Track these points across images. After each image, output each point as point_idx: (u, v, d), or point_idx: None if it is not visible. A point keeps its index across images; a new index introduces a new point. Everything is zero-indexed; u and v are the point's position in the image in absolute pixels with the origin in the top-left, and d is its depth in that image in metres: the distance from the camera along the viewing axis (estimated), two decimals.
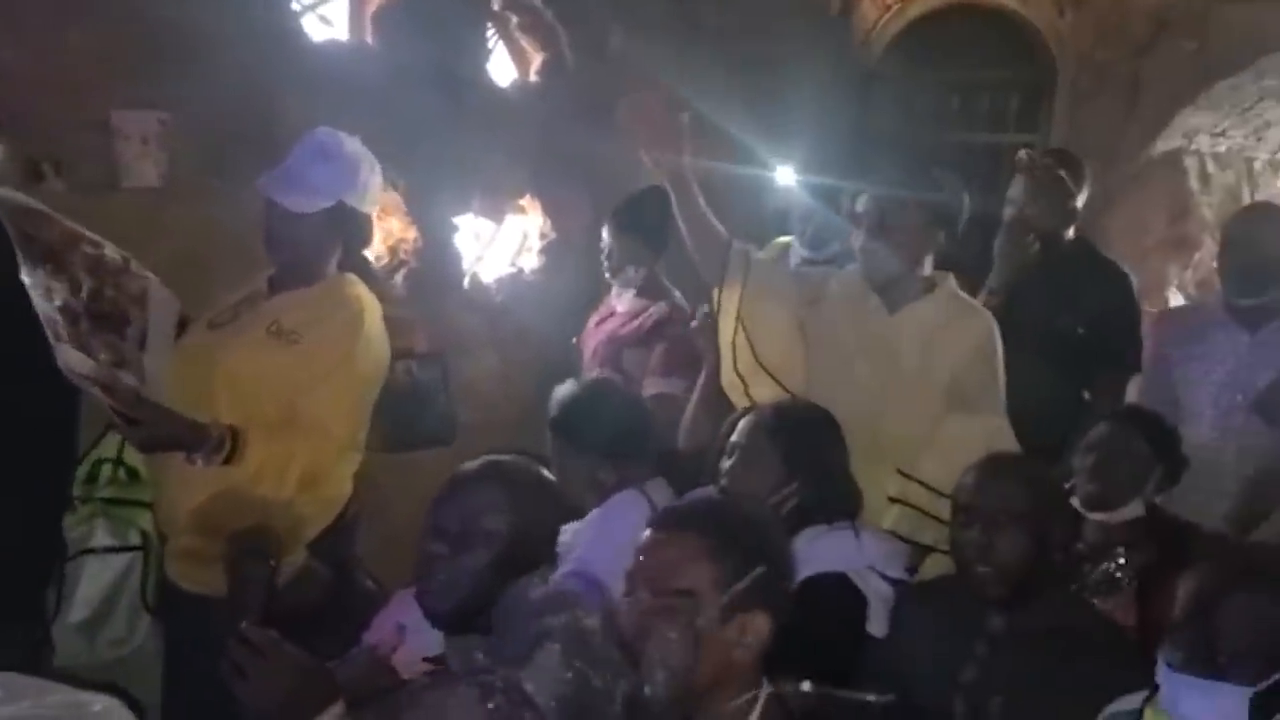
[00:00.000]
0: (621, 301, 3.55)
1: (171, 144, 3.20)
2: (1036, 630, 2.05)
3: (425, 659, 1.82)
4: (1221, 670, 1.59)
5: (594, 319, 3.65)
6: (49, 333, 2.08)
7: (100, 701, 1.32)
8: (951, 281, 2.65)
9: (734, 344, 2.70)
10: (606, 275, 3.57)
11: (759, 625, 1.47)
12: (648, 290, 3.48)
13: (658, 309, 3.42)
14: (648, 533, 1.52)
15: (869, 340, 2.62)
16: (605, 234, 3.55)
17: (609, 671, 1.44)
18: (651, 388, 3.35)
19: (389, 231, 3.90)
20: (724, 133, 3.78)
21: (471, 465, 1.79)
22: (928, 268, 2.63)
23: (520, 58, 4.33)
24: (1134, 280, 3.42)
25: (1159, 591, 2.13)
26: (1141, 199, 4.63)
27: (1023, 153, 3.50)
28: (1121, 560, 2.49)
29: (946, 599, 2.17)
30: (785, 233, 3.60)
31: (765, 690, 1.51)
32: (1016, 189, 3.35)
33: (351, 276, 2.53)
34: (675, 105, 2.61)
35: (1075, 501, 2.54)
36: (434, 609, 1.73)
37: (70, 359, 2.10)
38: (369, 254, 3.88)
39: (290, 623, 2.04)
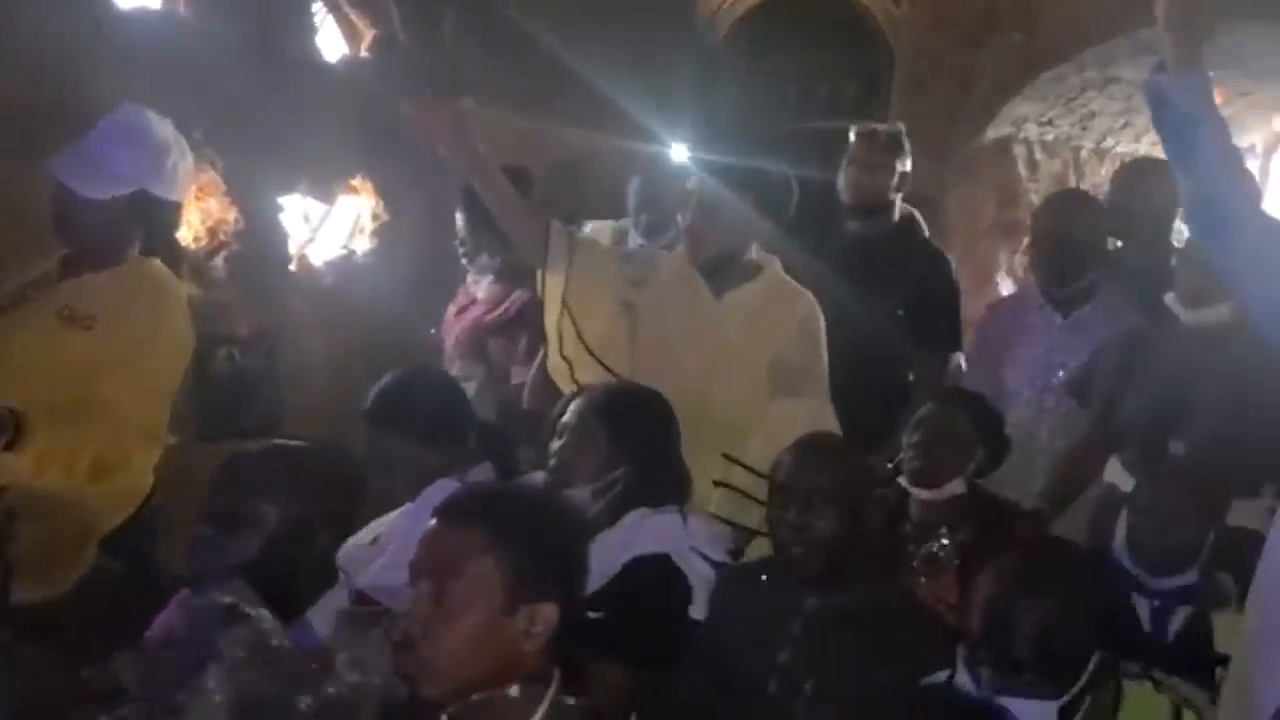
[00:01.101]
0: (481, 288, 3.45)
1: None
2: (849, 611, 2.06)
3: None
4: (1026, 687, 1.63)
5: (453, 308, 3.54)
6: None
7: None
8: (777, 265, 2.66)
9: (559, 327, 2.65)
10: (462, 261, 3.47)
11: (547, 615, 1.42)
12: (508, 275, 3.36)
13: (520, 295, 3.31)
14: (430, 523, 1.46)
15: (695, 324, 2.61)
16: (458, 218, 3.43)
17: (288, 684, 1.36)
18: (519, 376, 3.27)
19: (207, 212, 3.72)
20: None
21: (248, 448, 1.72)
22: (754, 252, 2.63)
23: (351, 33, 4.19)
24: (952, 263, 3.49)
25: (979, 570, 2.17)
26: (974, 186, 4.76)
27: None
28: (944, 540, 2.53)
29: (765, 581, 2.16)
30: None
31: (556, 681, 1.46)
32: (854, 149, 3.39)
33: (153, 260, 2.39)
34: (454, 98, 2.59)
35: (902, 479, 2.57)
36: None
37: None
38: (187, 234, 3.73)
39: (82, 622, 1.94)
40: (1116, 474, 2.88)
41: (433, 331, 3.55)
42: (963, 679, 1.75)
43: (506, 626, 1.40)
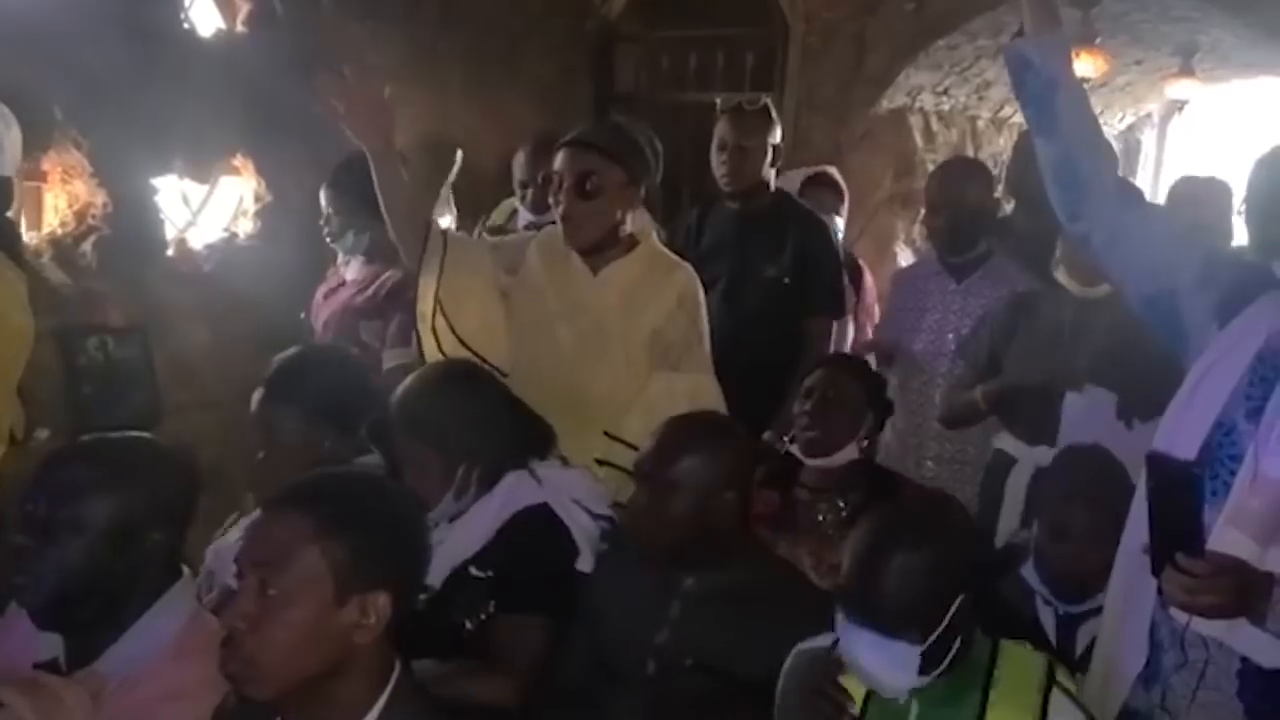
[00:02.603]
0: (350, 269, 3.35)
1: None
2: (726, 588, 2.02)
3: (36, 664, 1.61)
4: (890, 628, 1.61)
5: (322, 290, 3.43)
6: None
7: None
8: (654, 238, 2.61)
9: (434, 328, 2.57)
10: (328, 241, 3.35)
11: (380, 604, 1.34)
12: (378, 255, 3.26)
13: (391, 275, 3.21)
14: (256, 512, 1.37)
15: (571, 302, 2.55)
16: (323, 195, 3.32)
17: None
18: (392, 359, 3.16)
19: (74, 195, 3.54)
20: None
21: (63, 447, 1.61)
22: (630, 224, 2.56)
23: (226, 6, 4.02)
24: (833, 228, 3.47)
25: None
26: (870, 155, 4.74)
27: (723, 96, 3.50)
28: (841, 504, 2.50)
29: (643, 563, 2.10)
30: None
31: (396, 671, 1.38)
32: (721, 130, 3.33)
33: None
34: (377, 80, 2.48)
35: (794, 448, 2.53)
36: (25, 606, 1.54)
37: None
38: (53, 219, 3.55)
39: None
40: (1007, 442, 2.89)
41: (301, 316, 3.43)
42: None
43: (338, 618, 1.32)
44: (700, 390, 2.47)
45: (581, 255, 2.54)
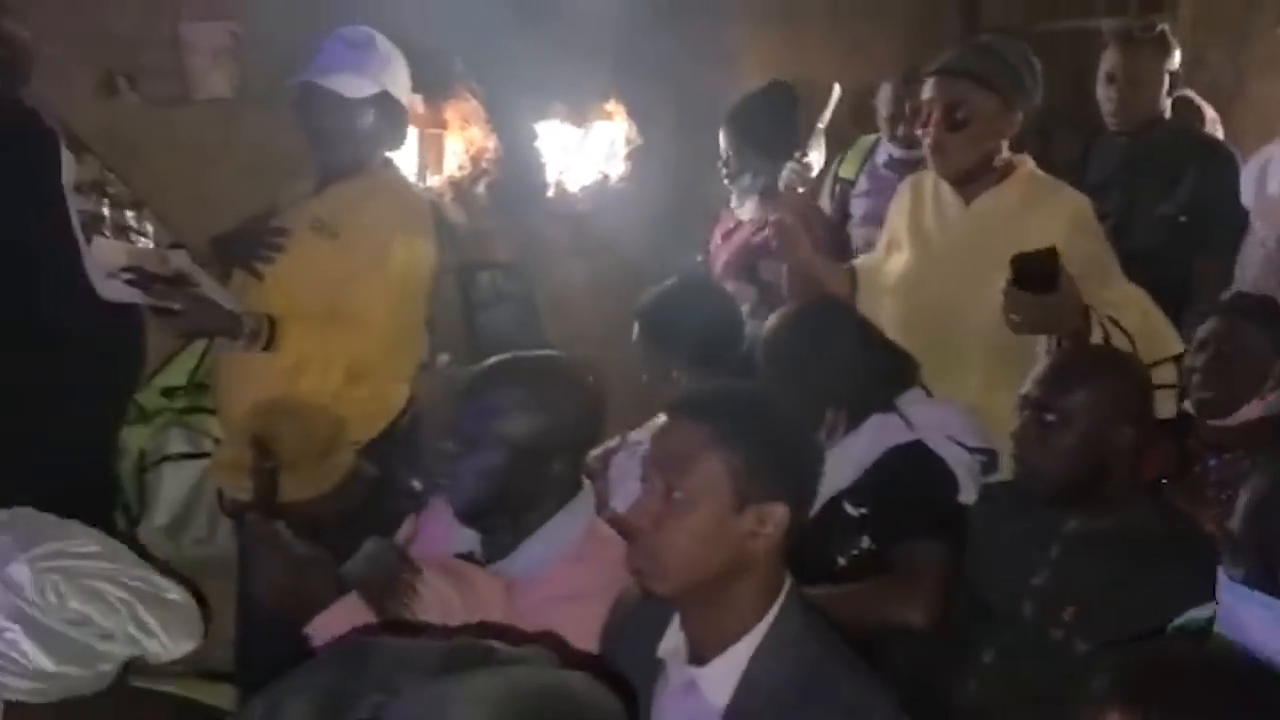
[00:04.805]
0: (746, 209, 3.42)
1: (242, 55, 3.20)
2: (1112, 534, 1.91)
3: (458, 554, 1.79)
4: None
5: (719, 231, 3.53)
6: (80, 235, 2.11)
7: (175, 591, 1.35)
8: (1030, 163, 2.48)
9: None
10: (725, 183, 3.45)
11: (777, 515, 1.39)
12: (772, 195, 3.32)
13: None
14: (662, 420, 1.45)
15: (944, 237, 2.49)
16: (722, 140, 3.40)
17: None
18: None
19: (470, 141, 3.85)
20: None
21: (492, 363, 1.75)
22: (1004, 151, 2.45)
23: None
24: (1238, 157, 3.14)
25: None
26: (1275, 80, 4.27)
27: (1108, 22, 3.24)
28: (1247, 466, 2.30)
29: (1024, 500, 2.04)
30: None
31: (787, 585, 1.43)
32: (1109, 60, 3.10)
33: (395, 169, 2.52)
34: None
35: (1188, 406, 2.36)
36: (451, 505, 1.71)
37: (103, 251, 2.13)
38: (451, 162, 3.88)
39: (335, 524, 2.06)
40: None
41: (699, 259, 3.53)
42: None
43: (736, 525, 1.38)
44: (1132, 299, 2.35)
45: (953, 185, 2.47)
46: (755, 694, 1.37)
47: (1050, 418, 1.88)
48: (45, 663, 1.24)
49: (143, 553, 1.38)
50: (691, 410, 1.43)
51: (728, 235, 3.45)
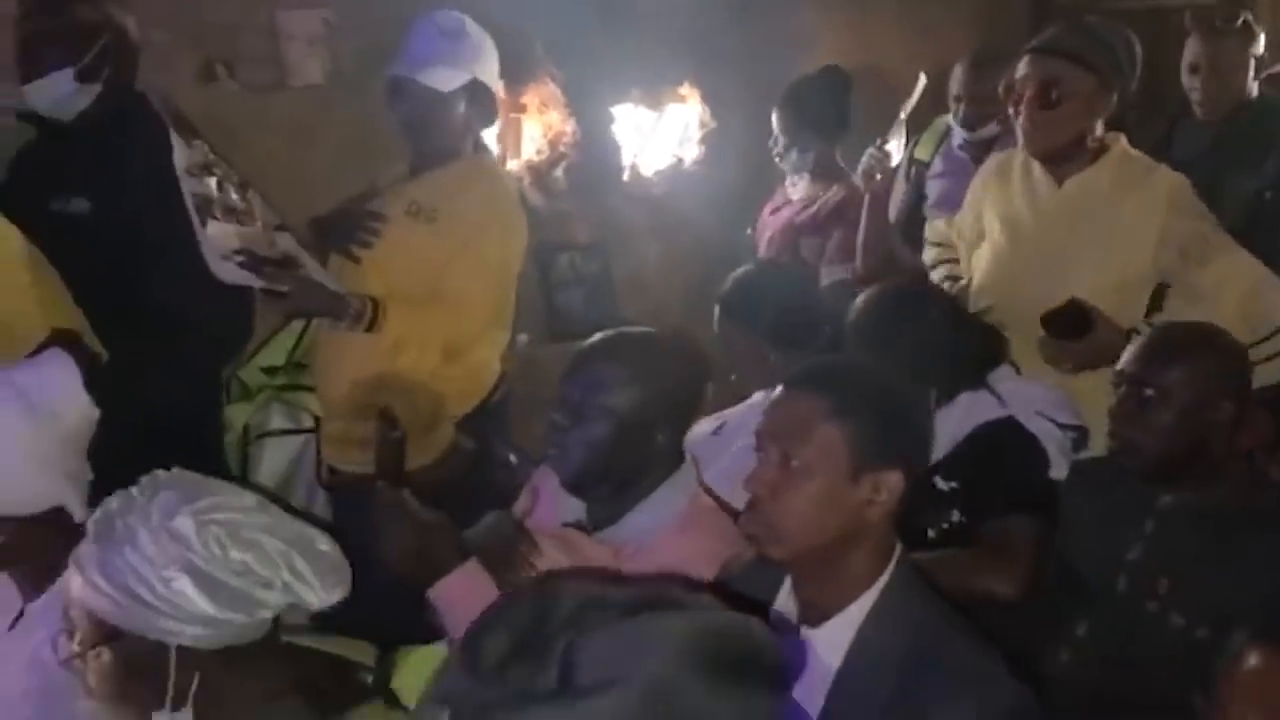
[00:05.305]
0: (796, 189, 3.49)
1: (335, 42, 3.28)
2: (1208, 509, 1.93)
3: (565, 523, 1.86)
4: None
5: (768, 208, 3.60)
6: (195, 216, 2.19)
7: (325, 541, 1.43)
8: (1124, 143, 2.48)
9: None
10: (777, 161, 3.51)
11: (892, 483, 1.44)
12: (822, 174, 3.41)
13: (834, 193, 3.36)
14: (778, 390, 1.50)
15: (1035, 218, 2.50)
16: (774, 116, 3.47)
17: None
18: (829, 275, 3.28)
19: (549, 125, 3.91)
20: None
21: (598, 339, 1.81)
22: (1098, 130, 2.46)
23: None
24: None
25: None
26: None
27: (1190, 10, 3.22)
28: None
29: (1117, 475, 2.06)
30: None
31: (898, 551, 1.48)
32: (1193, 50, 3.09)
33: (487, 154, 2.59)
34: None
35: None
36: (558, 475, 1.78)
37: (216, 234, 2.21)
38: (529, 146, 3.94)
39: (436, 494, 2.14)
40: None
41: (748, 232, 3.60)
42: None
43: (851, 493, 1.43)
44: (1235, 277, 2.35)
45: (1043, 165, 2.48)
46: (868, 655, 1.42)
47: (1149, 393, 1.90)
48: (209, 609, 1.32)
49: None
50: (809, 382, 1.48)
51: (775, 211, 3.52)
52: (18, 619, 1.71)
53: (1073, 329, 2.21)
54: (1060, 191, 2.47)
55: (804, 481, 1.42)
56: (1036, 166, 2.49)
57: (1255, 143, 3.04)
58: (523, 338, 3.49)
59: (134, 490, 1.39)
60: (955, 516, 2.10)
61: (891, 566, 1.46)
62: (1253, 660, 1.09)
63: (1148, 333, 2.03)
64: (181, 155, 2.28)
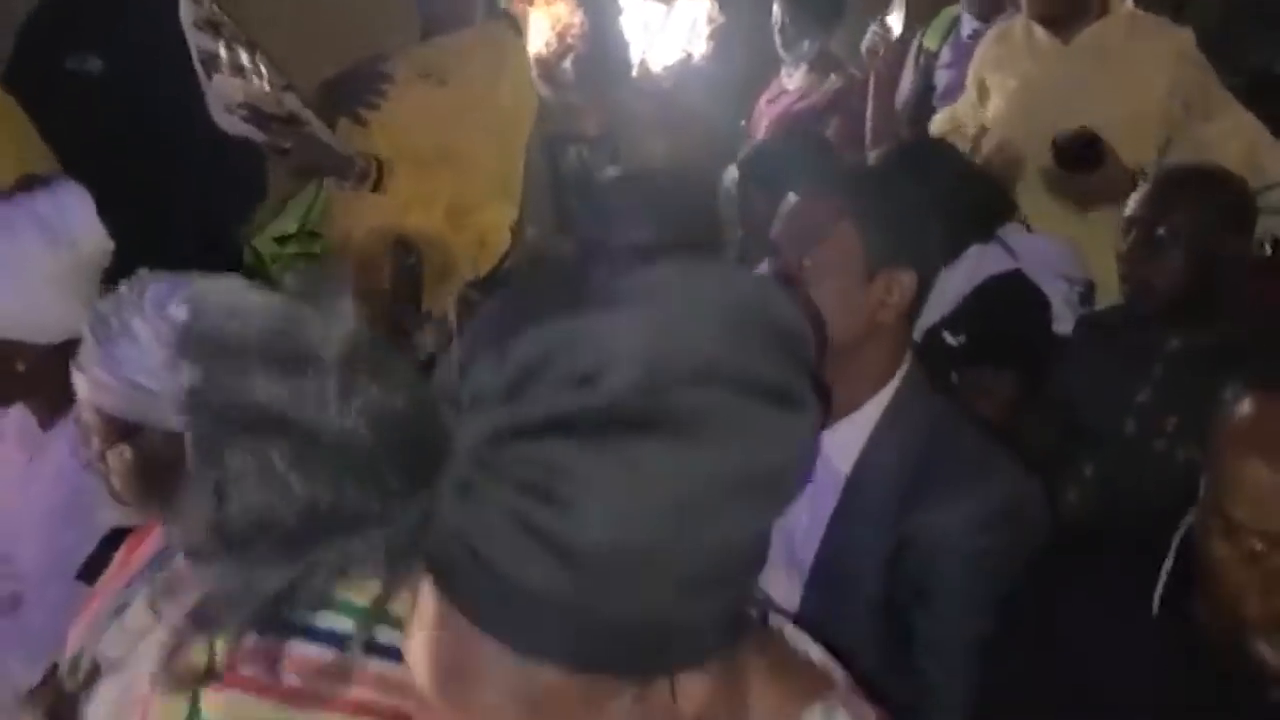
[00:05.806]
0: (793, 79, 3.51)
1: None
2: (1216, 349, 1.94)
3: None
4: None
5: (764, 97, 3.62)
6: (201, 71, 2.18)
7: None
8: (1129, 1, 2.48)
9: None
10: (779, 49, 3.49)
11: (905, 283, 1.45)
12: (820, 65, 3.43)
13: (833, 82, 3.37)
14: (790, 197, 1.51)
15: (1044, 80, 2.50)
16: (776, 8, 3.46)
17: None
18: None
19: (556, 17, 3.88)
20: None
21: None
22: None
23: None
24: None
25: None
26: None
27: None
28: None
29: (1124, 324, 2.08)
30: None
31: (909, 358, 1.50)
32: None
33: (498, 21, 2.60)
34: None
35: None
36: None
37: (222, 86, 2.21)
38: (537, 39, 3.91)
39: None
40: None
41: (742, 123, 3.60)
42: None
43: (866, 293, 1.45)
44: (1239, 130, 2.37)
45: (1046, 28, 2.48)
46: (882, 452, 1.45)
47: (1160, 232, 1.92)
48: None
49: None
50: (821, 187, 1.49)
51: (771, 101, 3.54)
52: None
53: (1083, 160, 2.19)
54: (1069, 48, 2.49)
55: (819, 280, 1.44)
56: (1039, 29, 2.50)
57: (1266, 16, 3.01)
58: (531, 231, 3.49)
59: (122, 289, 1.38)
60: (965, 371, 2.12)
61: (903, 368, 1.48)
62: (1248, 405, 1.11)
63: (1155, 174, 2.04)
64: (188, 10, 2.27)
